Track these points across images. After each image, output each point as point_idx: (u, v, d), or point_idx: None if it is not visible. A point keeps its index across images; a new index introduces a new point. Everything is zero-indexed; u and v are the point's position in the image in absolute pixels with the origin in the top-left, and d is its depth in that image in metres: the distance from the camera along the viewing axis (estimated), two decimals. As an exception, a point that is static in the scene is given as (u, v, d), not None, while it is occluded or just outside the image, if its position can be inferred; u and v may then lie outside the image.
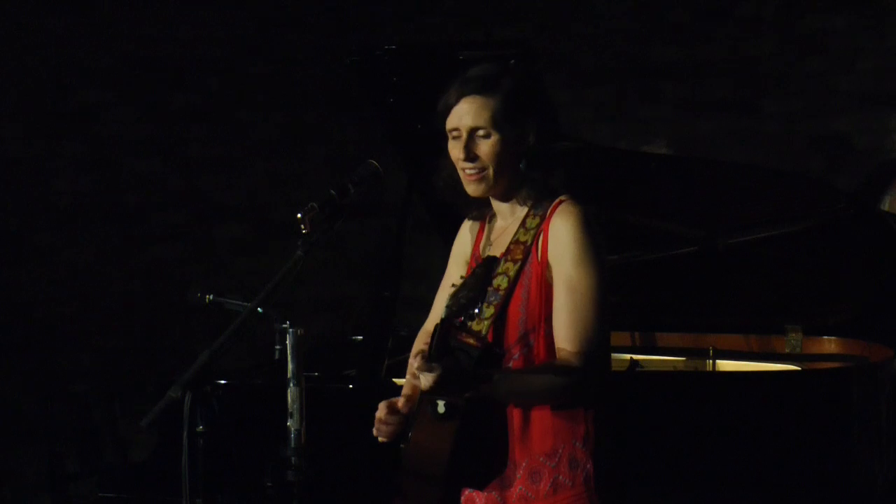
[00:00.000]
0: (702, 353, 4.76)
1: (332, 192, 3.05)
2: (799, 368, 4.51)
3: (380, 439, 3.15)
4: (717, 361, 4.72)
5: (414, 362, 2.85)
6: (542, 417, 2.98)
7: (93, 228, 6.88)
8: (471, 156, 3.01)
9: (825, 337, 4.71)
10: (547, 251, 2.99)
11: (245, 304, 4.50)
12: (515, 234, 3.04)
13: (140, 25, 6.92)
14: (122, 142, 6.94)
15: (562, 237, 2.97)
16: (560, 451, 2.98)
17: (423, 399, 2.90)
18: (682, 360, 4.80)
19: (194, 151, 7.08)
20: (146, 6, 6.94)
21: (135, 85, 6.93)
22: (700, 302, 4.85)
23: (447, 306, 2.83)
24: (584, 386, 2.94)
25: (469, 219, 3.24)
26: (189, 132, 7.06)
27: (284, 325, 3.69)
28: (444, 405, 2.85)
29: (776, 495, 4.23)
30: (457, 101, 3.04)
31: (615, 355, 4.86)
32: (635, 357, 4.76)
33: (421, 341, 3.28)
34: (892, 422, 4.34)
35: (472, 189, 3.04)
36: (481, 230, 3.20)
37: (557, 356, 2.94)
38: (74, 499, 5.84)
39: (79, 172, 6.86)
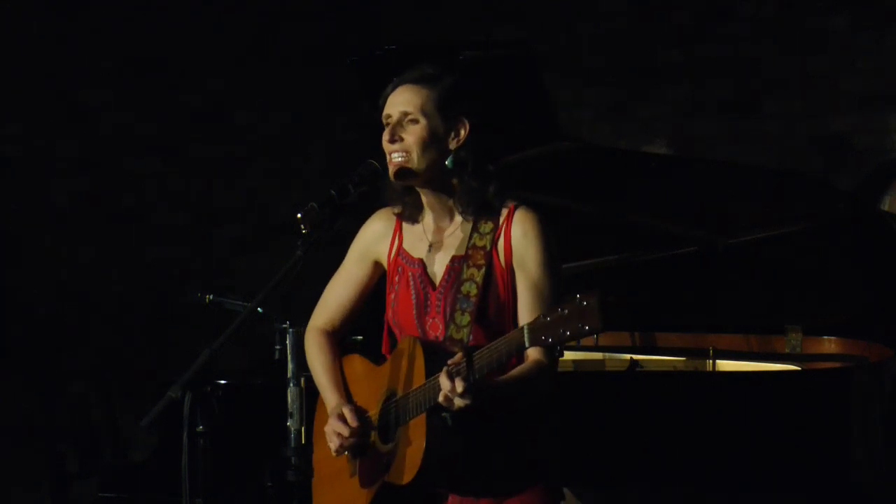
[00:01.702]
0: (702, 353, 4.76)
1: (332, 192, 3.06)
2: (799, 368, 4.51)
3: (336, 455, 3.17)
4: (717, 361, 4.72)
5: (450, 386, 2.84)
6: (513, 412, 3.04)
7: (93, 228, 6.88)
8: (395, 138, 3.06)
9: (825, 337, 4.70)
10: (511, 256, 3.05)
11: (245, 304, 4.50)
12: (470, 239, 3.07)
13: (140, 25, 6.92)
14: (122, 142, 6.94)
15: (526, 246, 3.04)
16: (535, 448, 3.04)
17: (430, 412, 2.92)
18: (682, 360, 4.79)
19: (194, 151, 7.08)
20: (146, 6, 6.94)
21: (135, 85, 6.92)
22: (700, 302, 4.85)
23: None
24: (553, 382, 3.03)
25: (378, 218, 3.25)
26: (189, 132, 7.06)
27: (284, 325, 3.70)
28: (451, 418, 2.88)
29: (776, 495, 4.23)
30: (393, 90, 3.10)
31: (615, 355, 4.87)
32: (635, 357, 4.76)
33: (313, 342, 3.29)
34: (891, 422, 4.34)
35: (392, 173, 3.06)
36: (398, 230, 3.20)
37: (529, 357, 3.00)
38: (74, 499, 5.84)
39: (79, 172, 6.86)
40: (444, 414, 2.88)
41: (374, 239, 3.24)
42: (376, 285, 3.27)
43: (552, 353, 2.94)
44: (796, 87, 6.55)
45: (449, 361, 2.87)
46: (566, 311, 2.70)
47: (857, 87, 6.42)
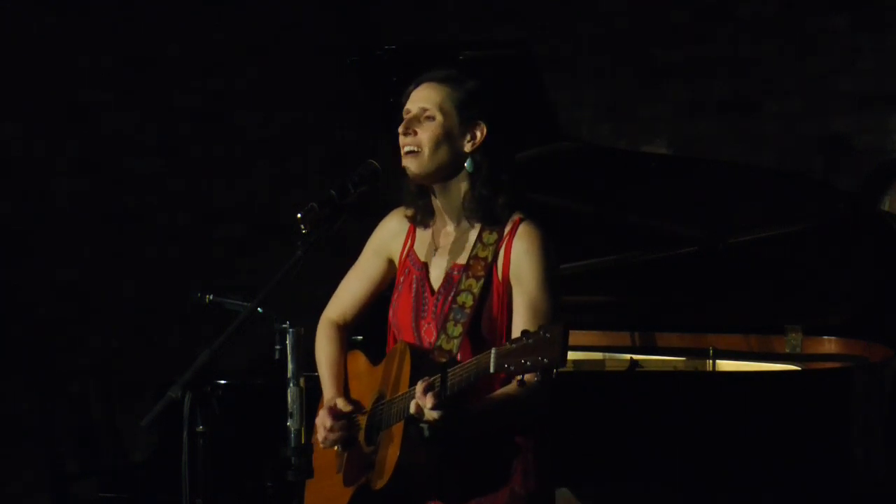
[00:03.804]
0: (702, 353, 4.76)
1: (332, 192, 3.05)
2: (799, 368, 4.51)
3: (322, 447, 3.18)
4: (717, 361, 4.72)
5: (423, 398, 2.85)
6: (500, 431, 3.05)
7: (93, 228, 6.88)
8: (409, 131, 3.06)
9: (825, 337, 4.71)
10: (508, 271, 3.04)
11: (245, 304, 4.50)
12: (474, 248, 3.06)
13: (140, 25, 6.92)
14: (122, 142, 6.94)
15: (525, 261, 3.02)
16: (515, 461, 3.05)
17: (408, 421, 2.93)
18: (682, 360, 4.80)
19: (194, 152, 7.08)
20: (146, 6, 6.94)
21: (135, 85, 6.93)
22: (700, 302, 4.85)
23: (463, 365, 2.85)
24: (545, 401, 3.01)
25: (395, 216, 3.25)
26: (189, 132, 7.06)
27: (284, 325, 3.69)
28: (429, 429, 2.88)
29: (776, 495, 4.23)
30: (417, 86, 3.11)
31: (615, 355, 4.87)
32: (635, 357, 4.76)
33: (323, 333, 3.32)
34: (891, 422, 4.34)
35: (406, 164, 3.07)
36: (412, 231, 3.21)
37: None
38: (74, 499, 5.84)
39: (79, 172, 6.86)
40: (421, 424, 2.89)
41: (389, 236, 3.25)
42: (390, 282, 3.27)
43: (546, 373, 2.89)
44: (796, 87, 6.54)
45: (427, 377, 2.88)
46: (530, 340, 2.70)
47: (857, 87, 6.42)
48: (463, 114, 3.06)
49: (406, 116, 3.09)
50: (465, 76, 3.11)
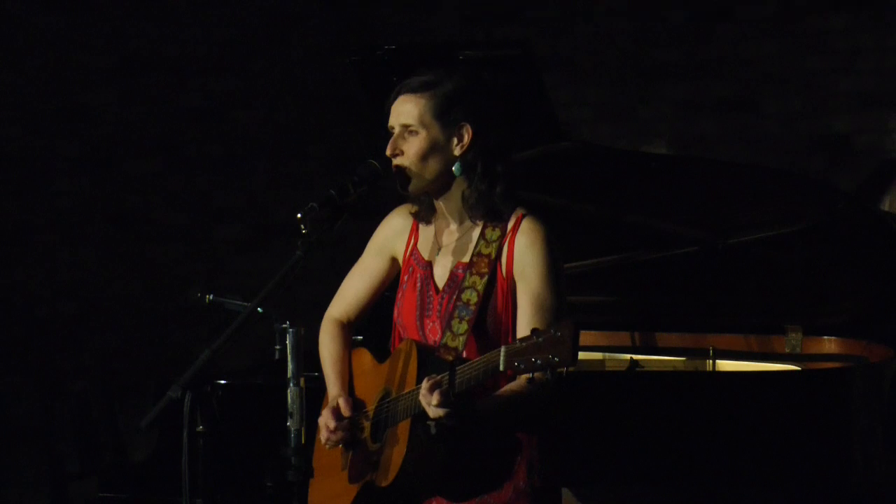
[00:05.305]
0: (702, 353, 4.76)
1: (332, 192, 3.05)
2: (799, 368, 4.51)
3: (327, 447, 3.18)
4: (717, 361, 4.72)
5: (429, 396, 2.84)
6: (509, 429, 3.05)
7: (93, 228, 6.88)
8: (396, 152, 3.06)
9: (825, 337, 4.70)
10: (512, 267, 3.03)
11: (245, 304, 4.50)
12: (476, 245, 3.06)
13: (140, 25, 6.92)
14: (122, 142, 6.94)
15: (529, 257, 3.01)
16: (518, 457, 3.04)
17: (415, 419, 2.93)
18: (682, 360, 4.79)
19: (194, 151, 7.08)
20: (147, 6, 6.94)
21: (135, 85, 6.93)
22: (700, 302, 4.84)
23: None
24: (550, 396, 2.99)
25: (398, 214, 3.25)
26: (189, 132, 7.06)
27: (284, 325, 3.70)
28: (436, 426, 2.88)
29: (776, 495, 4.23)
30: (394, 99, 3.10)
31: (615, 355, 4.87)
32: (635, 357, 4.76)
33: (326, 331, 3.31)
34: (891, 422, 4.34)
35: (398, 184, 3.07)
36: (414, 230, 3.20)
37: None
38: (74, 499, 5.83)
39: (79, 172, 6.86)
40: (428, 422, 2.88)
41: (392, 235, 3.24)
42: (393, 280, 3.27)
43: (555, 372, 2.89)
44: (796, 87, 6.55)
45: (433, 375, 2.88)
46: (541, 339, 2.69)
47: (857, 87, 6.42)
48: (445, 120, 3.04)
49: (391, 132, 3.09)
50: (442, 77, 3.08)
